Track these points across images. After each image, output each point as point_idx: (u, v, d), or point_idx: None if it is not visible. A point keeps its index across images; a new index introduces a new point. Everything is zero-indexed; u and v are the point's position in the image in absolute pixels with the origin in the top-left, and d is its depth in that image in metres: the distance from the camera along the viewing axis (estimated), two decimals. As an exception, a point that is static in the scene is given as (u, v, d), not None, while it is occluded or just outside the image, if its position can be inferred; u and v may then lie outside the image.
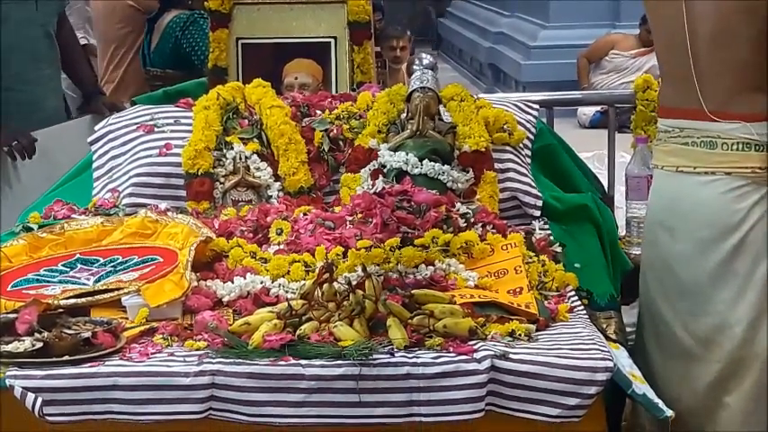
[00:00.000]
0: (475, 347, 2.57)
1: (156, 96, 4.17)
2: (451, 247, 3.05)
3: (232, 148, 3.57)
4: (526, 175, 3.62)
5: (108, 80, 5.74)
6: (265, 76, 3.89)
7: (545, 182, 3.67)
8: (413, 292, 2.78)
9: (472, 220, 3.23)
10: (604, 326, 2.91)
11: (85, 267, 3.09)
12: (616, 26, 10.38)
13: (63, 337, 2.62)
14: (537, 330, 2.72)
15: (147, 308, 2.81)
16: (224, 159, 3.55)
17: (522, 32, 11.11)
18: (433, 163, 3.42)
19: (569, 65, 9.82)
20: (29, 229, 3.34)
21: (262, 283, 2.93)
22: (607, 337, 2.79)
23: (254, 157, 3.57)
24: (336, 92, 4.15)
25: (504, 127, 3.68)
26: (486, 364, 2.51)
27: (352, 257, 2.93)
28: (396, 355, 2.55)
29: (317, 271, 2.86)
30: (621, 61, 9.72)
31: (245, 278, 2.94)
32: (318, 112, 3.75)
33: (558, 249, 3.25)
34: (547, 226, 3.43)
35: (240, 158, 3.55)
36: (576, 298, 2.99)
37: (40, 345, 2.58)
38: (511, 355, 2.54)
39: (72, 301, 2.86)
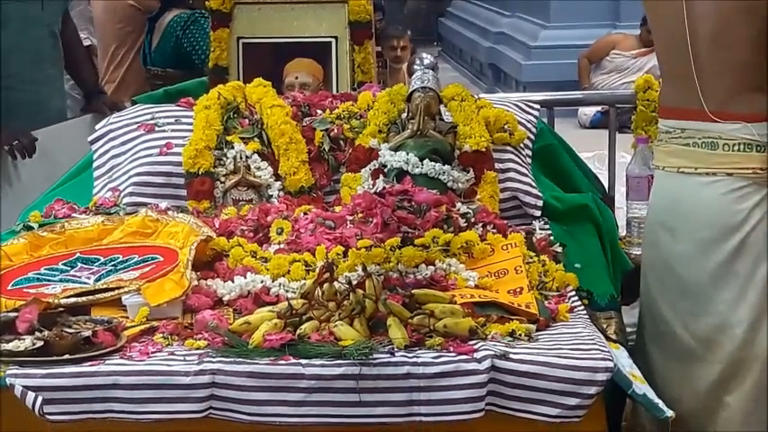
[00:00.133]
0: (475, 347, 2.57)
1: (156, 96, 4.17)
2: (452, 247, 3.05)
3: (233, 148, 3.57)
4: (527, 175, 3.62)
5: (109, 80, 5.74)
6: (266, 75, 3.89)
7: (545, 182, 3.67)
8: (413, 291, 2.78)
9: (473, 219, 3.23)
10: (605, 326, 2.91)
11: (86, 266, 3.09)
12: (617, 26, 10.38)
13: (63, 335, 2.62)
14: (537, 330, 2.72)
15: (148, 307, 2.81)
16: (224, 159, 3.55)
17: (523, 32, 11.11)
18: (433, 163, 3.42)
19: (570, 65, 9.81)
20: (29, 228, 3.35)
21: (262, 282, 2.93)
22: (607, 338, 2.78)
23: (255, 156, 3.57)
24: (337, 91, 4.15)
25: (505, 127, 3.68)
26: (487, 363, 2.51)
27: (353, 257, 2.93)
28: (396, 354, 2.55)
29: (317, 270, 2.86)
30: (622, 61, 9.72)
31: (245, 277, 2.94)
32: (319, 111, 3.75)
33: (559, 249, 3.25)
34: (547, 226, 3.43)
35: (241, 158, 3.55)
36: (577, 298, 2.99)
37: (40, 343, 2.58)
38: (511, 355, 2.54)
39: (72, 299, 2.86)
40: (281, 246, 3.13)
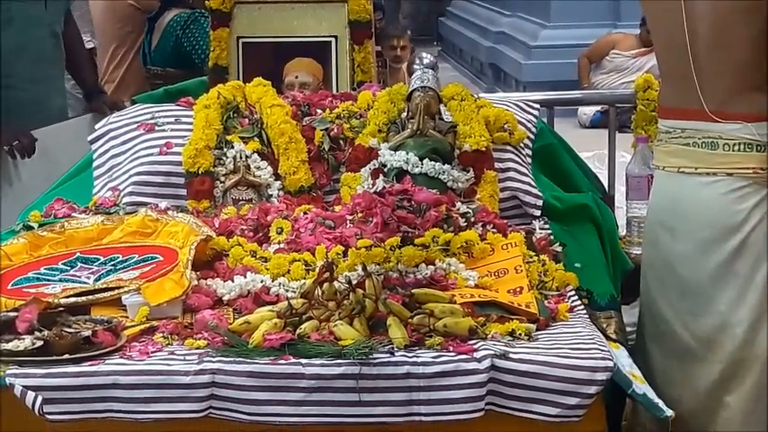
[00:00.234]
0: (475, 347, 2.57)
1: (156, 95, 4.17)
2: (452, 247, 3.05)
3: (232, 147, 3.57)
4: (526, 175, 3.61)
5: (108, 79, 5.74)
6: (266, 74, 3.89)
7: (545, 181, 3.67)
8: (413, 291, 2.78)
9: (472, 219, 3.23)
10: (604, 325, 2.91)
11: (86, 266, 3.08)
12: (617, 26, 10.38)
13: (63, 335, 2.62)
14: (537, 330, 2.72)
15: (148, 306, 2.81)
16: (224, 158, 3.55)
17: (523, 32, 11.11)
18: (433, 162, 3.42)
19: (570, 65, 9.81)
20: (29, 228, 3.35)
21: (262, 281, 2.93)
22: (607, 337, 2.78)
23: (255, 156, 3.57)
24: (337, 91, 4.15)
25: (505, 126, 3.68)
26: (486, 363, 2.51)
27: (353, 256, 2.93)
28: (396, 354, 2.55)
29: (317, 270, 2.86)
30: (622, 61, 9.72)
31: (245, 277, 2.94)
32: (319, 111, 3.75)
33: (559, 249, 3.25)
34: (547, 225, 3.43)
35: (240, 157, 3.55)
36: (577, 298, 2.99)
37: (40, 343, 2.58)
38: (511, 355, 2.54)
39: (72, 299, 2.86)
40: (281, 245, 3.13)
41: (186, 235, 3.13)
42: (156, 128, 3.71)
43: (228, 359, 2.54)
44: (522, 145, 3.70)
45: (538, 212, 3.52)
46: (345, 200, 3.41)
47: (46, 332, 2.62)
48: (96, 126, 3.88)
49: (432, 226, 3.09)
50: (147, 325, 2.75)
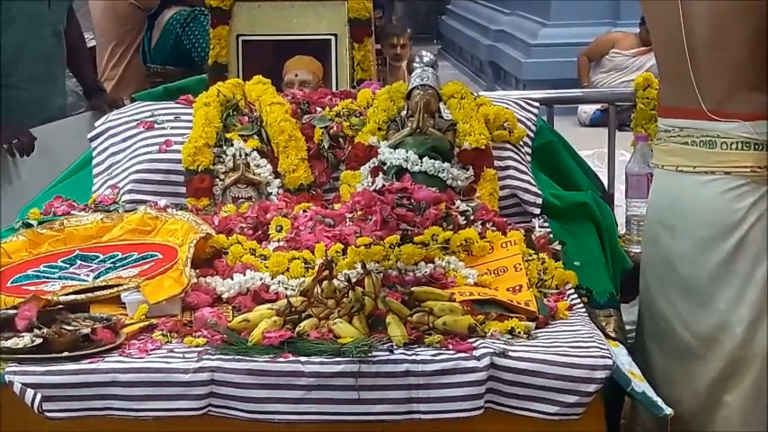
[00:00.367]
0: (474, 345, 2.57)
1: (156, 93, 4.17)
2: (451, 245, 3.05)
3: (232, 145, 3.57)
4: (526, 173, 3.61)
5: (108, 77, 5.74)
6: (266, 72, 3.89)
7: (545, 180, 3.67)
8: (412, 289, 2.78)
9: (472, 217, 3.23)
10: (604, 324, 2.91)
11: (85, 264, 3.08)
12: (617, 25, 10.38)
13: (62, 333, 2.61)
14: (536, 328, 2.72)
15: (147, 304, 2.81)
16: (224, 156, 3.55)
17: (523, 30, 11.11)
18: (433, 160, 3.42)
19: (570, 63, 9.81)
20: (28, 226, 3.34)
21: (261, 279, 2.93)
22: (606, 336, 2.78)
23: (254, 153, 3.57)
24: (337, 89, 4.15)
25: (505, 125, 3.68)
26: (486, 361, 2.51)
27: (352, 255, 2.93)
28: (395, 352, 2.55)
29: (316, 268, 2.86)
30: (622, 60, 9.71)
31: (244, 275, 2.94)
32: (318, 109, 3.74)
33: (558, 247, 3.25)
34: (546, 224, 3.43)
35: (240, 155, 3.55)
36: (576, 296, 2.99)
37: (39, 341, 2.57)
38: (510, 353, 2.54)
39: (71, 297, 2.86)
40: (281, 243, 3.13)
41: (185, 233, 3.13)
42: (156, 126, 3.71)
43: (228, 357, 2.54)
44: (521, 143, 3.70)
45: (537, 211, 3.52)
46: (345, 198, 3.41)
47: (45, 330, 2.62)
48: (96, 124, 3.87)
49: (431, 224, 3.08)
50: (147, 323, 2.75)
